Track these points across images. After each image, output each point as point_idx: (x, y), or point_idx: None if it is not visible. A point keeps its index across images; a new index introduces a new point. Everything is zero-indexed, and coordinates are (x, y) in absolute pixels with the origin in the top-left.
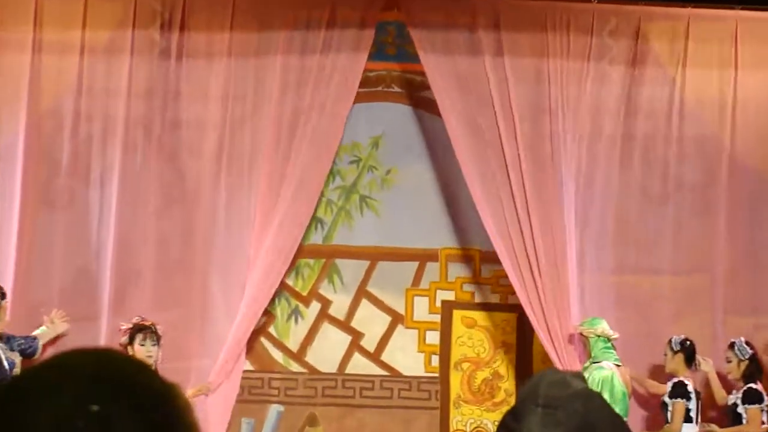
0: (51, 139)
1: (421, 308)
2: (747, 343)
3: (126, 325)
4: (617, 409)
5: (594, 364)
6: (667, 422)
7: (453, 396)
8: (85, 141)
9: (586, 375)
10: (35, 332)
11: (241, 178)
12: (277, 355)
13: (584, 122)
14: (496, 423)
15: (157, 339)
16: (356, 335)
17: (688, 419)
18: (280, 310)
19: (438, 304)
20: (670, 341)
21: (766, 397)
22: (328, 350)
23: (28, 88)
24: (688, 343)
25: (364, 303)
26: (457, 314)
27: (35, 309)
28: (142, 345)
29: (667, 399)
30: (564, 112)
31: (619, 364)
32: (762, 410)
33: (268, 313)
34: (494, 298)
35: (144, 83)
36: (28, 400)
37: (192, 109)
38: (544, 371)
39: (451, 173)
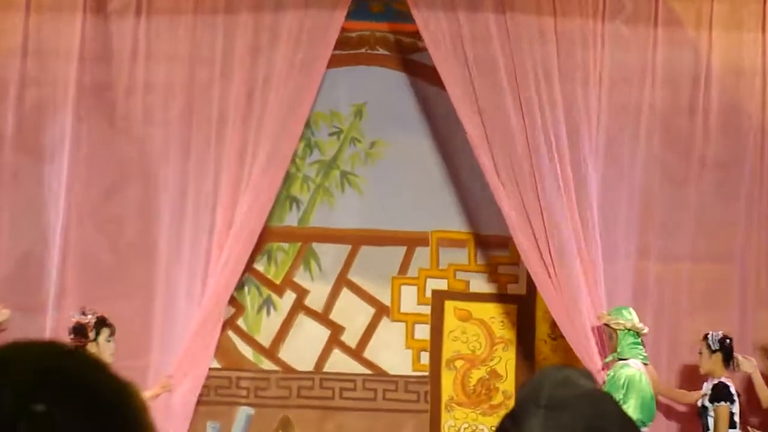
0: None
1: (409, 299)
2: None
3: (77, 317)
4: (643, 415)
5: (620, 361)
6: (706, 429)
7: (445, 398)
8: (32, 110)
9: (609, 373)
10: None
11: (207, 151)
12: (247, 351)
13: (595, 90)
14: (493, 428)
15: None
16: (336, 329)
17: (732, 424)
18: (250, 300)
19: (428, 294)
20: (705, 338)
21: None
22: (304, 346)
23: None
24: (728, 341)
25: (345, 293)
26: (450, 306)
27: None
28: (108, 341)
29: (707, 403)
30: (573, 77)
31: (647, 362)
32: None
33: (237, 304)
34: (492, 288)
35: (98, 44)
36: None
37: (153, 73)
38: (548, 369)
39: (445, 146)
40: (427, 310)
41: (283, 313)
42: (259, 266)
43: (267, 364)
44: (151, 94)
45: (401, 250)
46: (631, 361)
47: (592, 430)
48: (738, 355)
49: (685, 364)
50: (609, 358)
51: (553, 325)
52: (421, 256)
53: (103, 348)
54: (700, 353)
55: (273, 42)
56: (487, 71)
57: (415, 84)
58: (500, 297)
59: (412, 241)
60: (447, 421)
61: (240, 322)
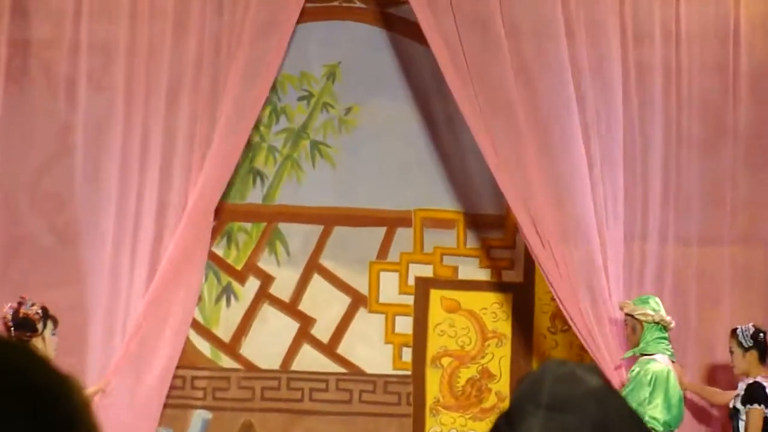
0: None
1: (390, 287)
2: None
3: (25, 308)
4: (670, 417)
5: (645, 356)
6: None
7: (429, 400)
8: None
9: (634, 369)
10: None
11: (157, 119)
12: (203, 346)
13: (610, 48)
14: None
15: None
16: (305, 321)
17: (766, 428)
18: (207, 288)
19: (411, 281)
20: (735, 334)
21: None
22: (269, 341)
23: None
24: (762, 335)
25: (316, 280)
26: (436, 295)
27: None
28: (53, 335)
29: (739, 405)
30: (583, 34)
31: (674, 360)
32: None
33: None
34: (483, 275)
35: None
36: None
37: (96, 30)
38: (549, 363)
39: (430, 113)
40: (409, 300)
41: (245, 304)
42: (218, 249)
43: (226, 362)
44: (92, 54)
45: (380, 232)
46: (658, 356)
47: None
48: None
49: (713, 364)
50: (629, 354)
51: (554, 318)
52: (403, 238)
53: (48, 342)
54: (731, 352)
55: None
56: (479, 28)
57: (396, 41)
58: (493, 285)
59: (393, 221)
60: (432, 427)
61: (195, 313)
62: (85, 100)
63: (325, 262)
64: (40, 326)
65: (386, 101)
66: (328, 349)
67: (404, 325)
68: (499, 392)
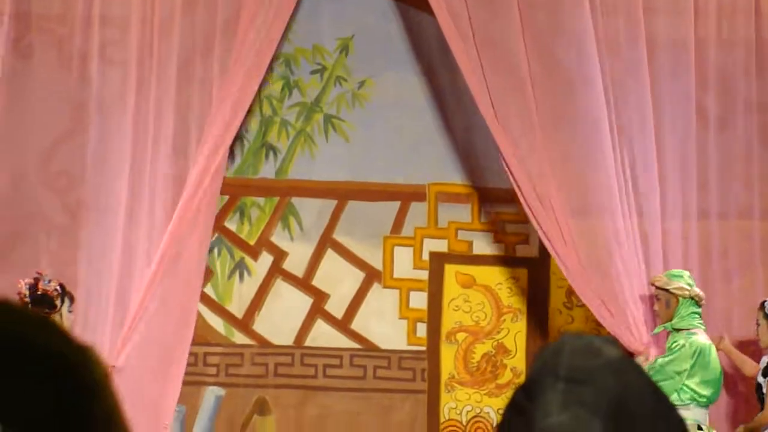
0: None
1: (404, 262)
2: None
3: (44, 284)
4: (709, 392)
5: (681, 331)
6: (762, 408)
7: (444, 376)
8: None
9: (677, 341)
10: None
11: (167, 91)
12: (216, 322)
13: (617, 18)
14: (501, 411)
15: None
16: (319, 297)
17: None
18: (220, 264)
19: (425, 256)
20: (763, 307)
21: None
22: (283, 316)
23: None
24: None
25: (330, 255)
26: (451, 270)
27: None
28: (70, 312)
29: (761, 379)
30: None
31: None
32: None
33: (205, 269)
34: (498, 249)
35: None
36: None
37: (108, 3)
38: (567, 335)
39: (444, 87)
40: (424, 275)
41: (258, 279)
42: (231, 225)
43: (239, 338)
44: (105, 27)
45: (394, 206)
46: (698, 331)
47: (619, 404)
48: None
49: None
50: (660, 328)
51: (570, 293)
52: (417, 212)
53: (65, 319)
54: (758, 324)
55: None
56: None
57: (411, 14)
58: (508, 260)
59: (407, 196)
60: (447, 403)
61: (208, 289)
62: (97, 75)
63: (339, 237)
64: (58, 303)
65: (400, 75)
66: (342, 325)
67: (419, 300)
68: (515, 368)
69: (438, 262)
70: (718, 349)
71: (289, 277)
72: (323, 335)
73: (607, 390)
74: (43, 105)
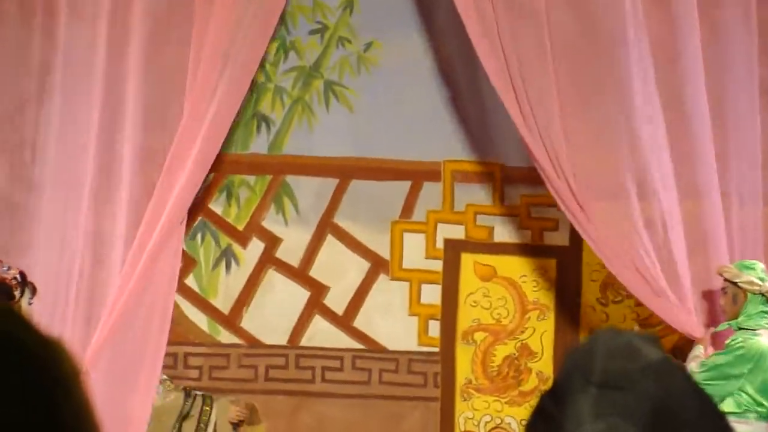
0: None
1: (415, 250)
2: None
3: None
4: (764, 398)
5: (743, 330)
6: None
7: (460, 382)
8: None
9: (737, 340)
10: None
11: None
12: (199, 318)
13: None
14: (524, 422)
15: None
16: (317, 290)
17: None
18: (204, 252)
19: (439, 244)
20: None
21: None
22: (275, 312)
23: None
24: None
25: (330, 242)
26: (468, 260)
27: None
28: (30, 304)
29: None
30: None
31: None
32: None
33: (186, 258)
34: (523, 237)
35: None
36: None
37: None
38: (601, 333)
39: (463, 50)
40: (438, 265)
41: (247, 269)
42: (216, 207)
43: (226, 337)
44: None
45: (404, 186)
46: (764, 332)
47: (662, 411)
48: None
49: None
50: (724, 326)
51: (606, 287)
52: (431, 193)
53: (24, 312)
54: None
55: None
56: None
57: None
58: (535, 249)
59: (419, 174)
60: (463, 413)
61: (190, 281)
62: (64, 32)
63: (340, 221)
64: (17, 293)
65: (412, 37)
66: (344, 322)
67: (431, 294)
68: (541, 372)
69: (454, 250)
70: None
71: (283, 267)
72: (321, 334)
73: (647, 396)
74: (1, 67)
